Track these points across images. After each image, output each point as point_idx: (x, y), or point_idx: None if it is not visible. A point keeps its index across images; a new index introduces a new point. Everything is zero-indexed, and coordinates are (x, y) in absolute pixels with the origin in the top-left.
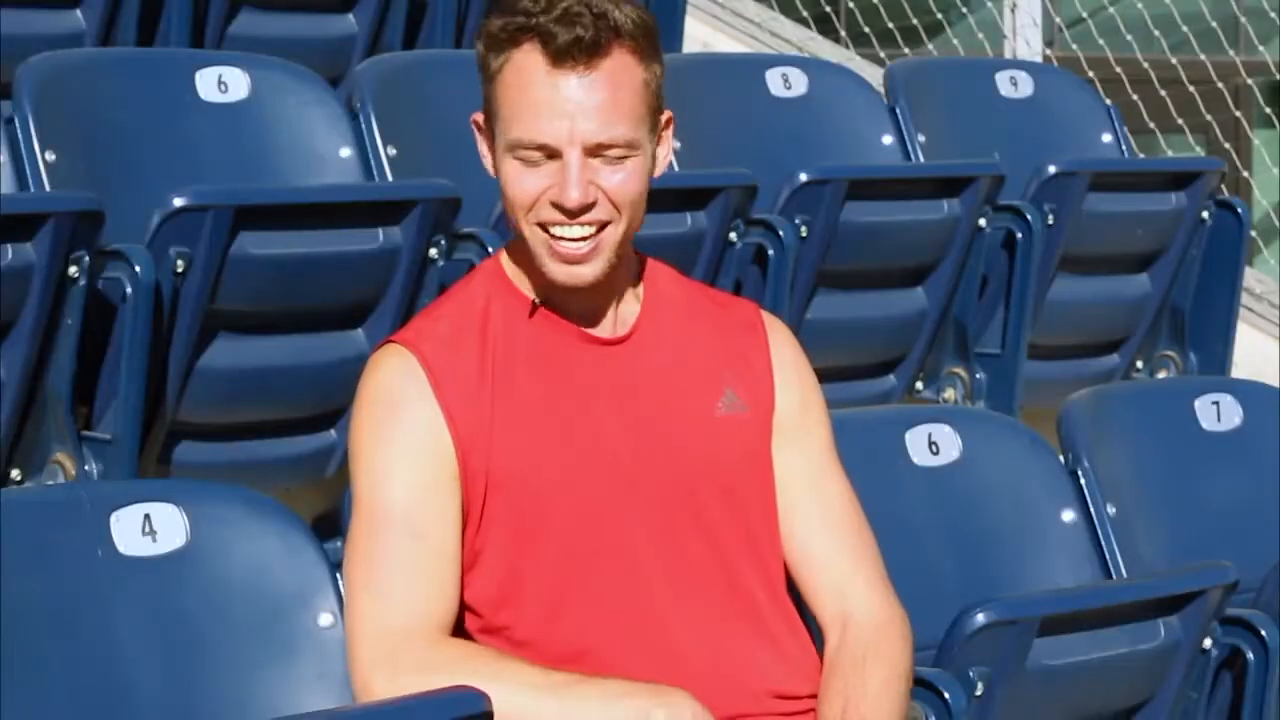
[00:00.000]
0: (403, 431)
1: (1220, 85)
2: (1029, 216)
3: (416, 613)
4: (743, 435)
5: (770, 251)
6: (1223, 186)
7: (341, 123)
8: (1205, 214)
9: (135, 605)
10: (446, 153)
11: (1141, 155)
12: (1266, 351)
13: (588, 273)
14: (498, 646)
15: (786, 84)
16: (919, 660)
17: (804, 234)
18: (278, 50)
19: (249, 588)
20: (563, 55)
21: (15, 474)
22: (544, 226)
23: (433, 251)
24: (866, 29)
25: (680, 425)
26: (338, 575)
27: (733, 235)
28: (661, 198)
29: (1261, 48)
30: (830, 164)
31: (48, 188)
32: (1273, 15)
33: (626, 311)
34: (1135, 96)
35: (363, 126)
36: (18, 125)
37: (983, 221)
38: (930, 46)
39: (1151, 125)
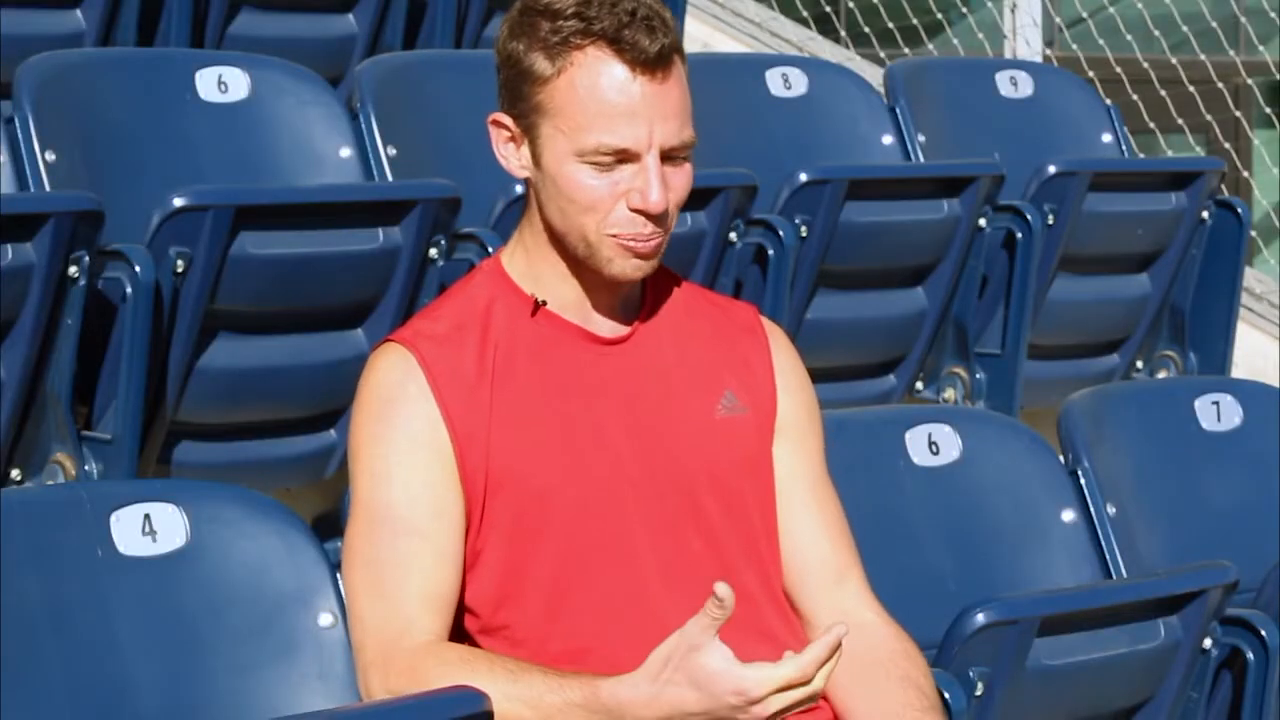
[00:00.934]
0: (402, 430)
1: (1220, 85)
2: (1029, 216)
3: (414, 614)
4: (742, 437)
5: (770, 251)
6: (1223, 186)
7: (341, 123)
8: (1205, 214)
9: (135, 605)
10: (446, 153)
11: (1141, 155)
12: (1266, 351)
13: (650, 267)
14: (497, 647)
15: (786, 84)
16: None
17: (804, 234)
18: (278, 50)
19: (249, 588)
20: (644, 61)
21: (15, 474)
22: (615, 236)
23: (433, 251)
24: (866, 29)
25: (680, 426)
26: (338, 575)
27: (733, 235)
28: None
29: (1261, 48)
30: (830, 164)
31: (48, 188)
32: (1273, 15)
33: (628, 312)
34: (1135, 96)
35: (363, 126)
36: (18, 125)
37: (983, 221)
38: (930, 46)
39: (1151, 125)
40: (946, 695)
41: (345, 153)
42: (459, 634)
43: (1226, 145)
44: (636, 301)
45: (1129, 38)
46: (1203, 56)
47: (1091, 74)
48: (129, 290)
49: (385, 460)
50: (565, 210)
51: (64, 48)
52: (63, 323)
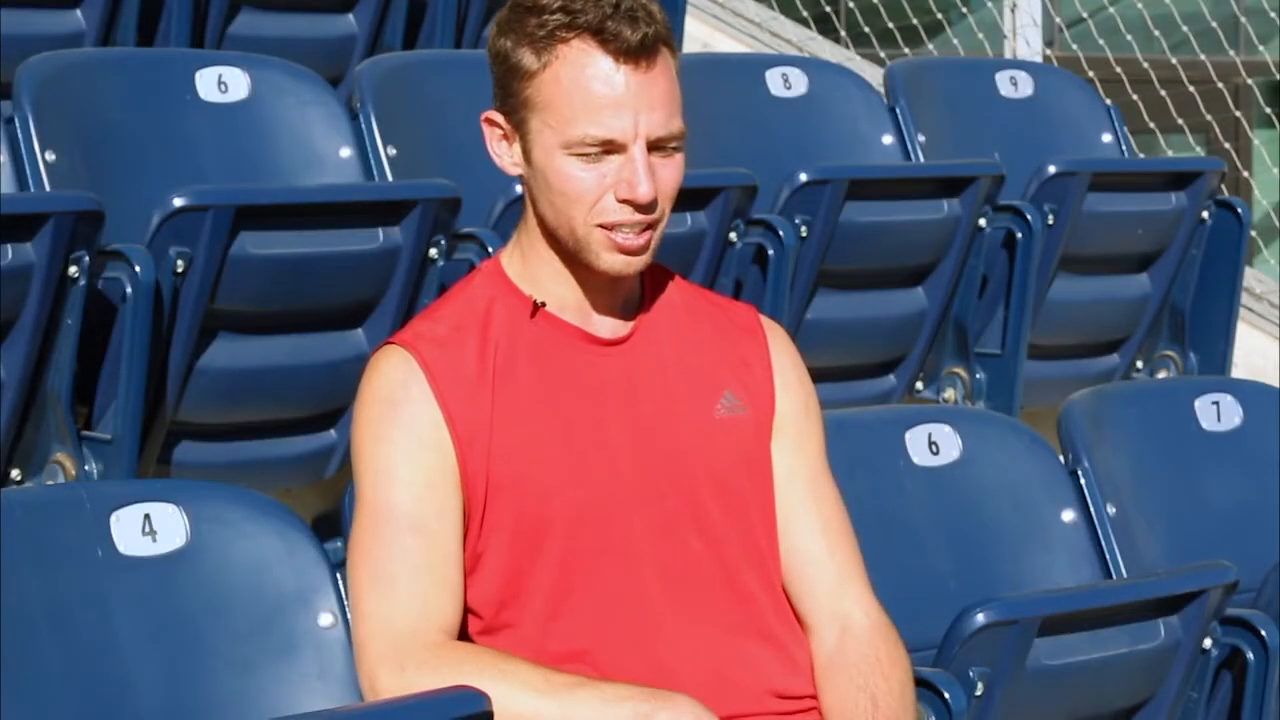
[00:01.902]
0: (404, 431)
1: (1220, 85)
2: (1029, 216)
3: (422, 611)
4: (741, 437)
5: (770, 251)
6: (1223, 186)
7: (341, 123)
8: (1205, 214)
9: (135, 605)
10: (446, 153)
11: (1141, 155)
12: (1266, 351)
13: (640, 262)
14: (497, 647)
15: (786, 84)
16: (918, 660)
17: (804, 234)
18: (278, 50)
19: (249, 588)
20: (628, 52)
21: (15, 474)
22: (604, 226)
23: (433, 251)
24: (866, 29)
25: (679, 426)
26: (338, 575)
27: (733, 235)
28: None
29: (1261, 48)
30: (830, 164)
31: (48, 188)
32: (1273, 15)
33: (627, 312)
34: (1135, 96)
35: (363, 126)
36: (18, 125)
37: (983, 221)
38: (930, 46)
39: (1151, 125)
40: (946, 695)
41: (345, 153)
42: (461, 635)
43: (1226, 145)
44: (636, 302)
45: (1129, 38)
46: (1203, 56)
47: (1091, 74)
48: (129, 290)
49: (389, 460)
50: (555, 204)
51: (64, 48)
52: (63, 323)
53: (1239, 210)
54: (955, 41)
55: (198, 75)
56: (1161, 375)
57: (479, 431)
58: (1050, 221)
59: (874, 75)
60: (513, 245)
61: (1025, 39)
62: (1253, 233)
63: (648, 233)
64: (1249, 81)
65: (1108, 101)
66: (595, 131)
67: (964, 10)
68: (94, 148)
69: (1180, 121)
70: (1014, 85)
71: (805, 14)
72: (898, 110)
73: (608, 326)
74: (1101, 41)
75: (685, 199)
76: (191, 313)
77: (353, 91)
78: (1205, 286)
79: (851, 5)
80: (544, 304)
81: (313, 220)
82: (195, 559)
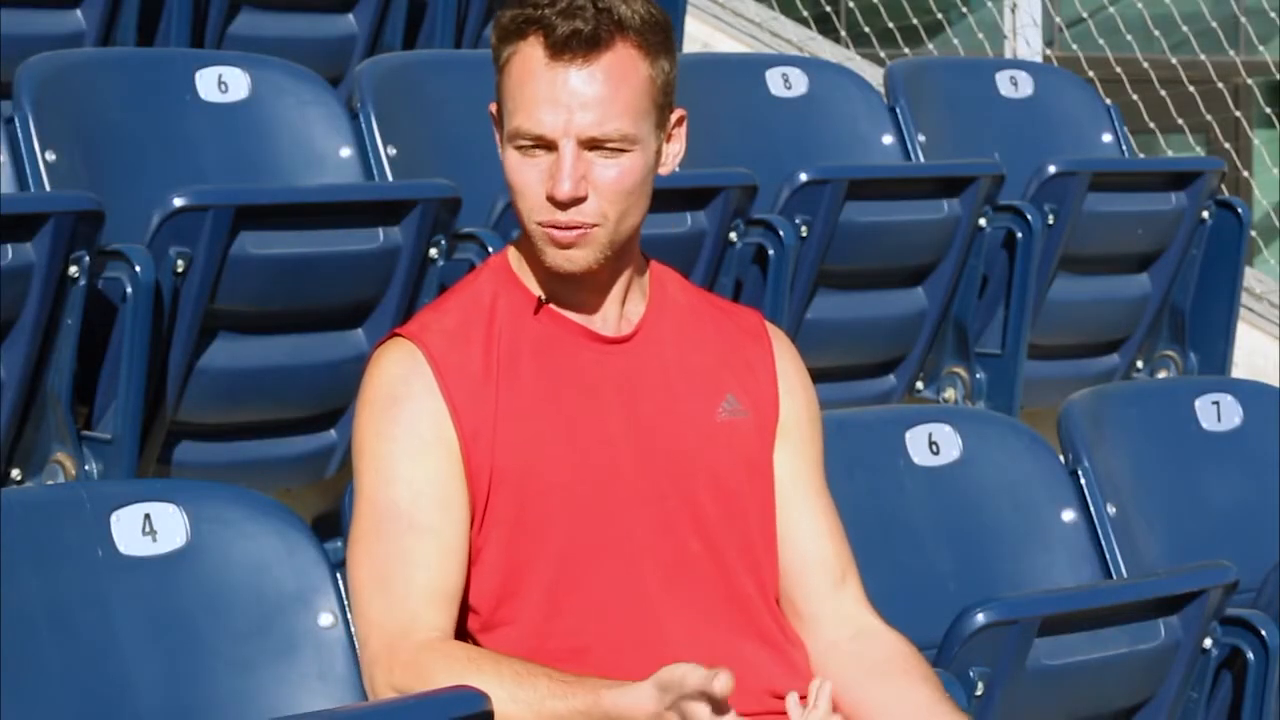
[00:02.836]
0: (407, 426)
1: (1220, 85)
2: (1029, 216)
3: (415, 611)
4: (742, 440)
5: (770, 251)
6: (1223, 186)
7: (341, 123)
8: (1205, 214)
9: (135, 605)
10: (446, 153)
11: (1141, 155)
12: (1266, 351)
13: (580, 258)
14: (497, 644)
15: (786, 84)
16: None
17: (804, 234)
18: (278, 50)
19: (249, 588)
20: (561, 47)
21: (15, 474)
22: (541, 223)
23: (433, 251)
24: (866, 29)
25: (681, 427)
26: (338, 575)
27: (733, 235)
28: (661, 198)
29: (1261, 48)
30: (830, 164)
31: (48, 188)
32: (1273, 15)
33: (632, 311)
34: (1135, 96)
35: (363, 126)
36: (18, 125)
37: (983, 221)
38: (930, 46)
39: (1151, 125)
40: None
41: (345, 153)
42: (460, 632)
43: (1226, 145)
44: (640, 302)
45: (1129, 38)
46: (1203, 56)
47: (1091, 74)
48: (129, 290)
49: (390, 457)
50: (512, 199)
51: (64, 48)
52: (63, 323)
53: (1239, 210)
54: (955, 41)
55: (198, 75)
56: (1161, 375)
57: (483, 425)
58: (1050, 221)
59: (874, 75)
60: (518, 240)
61: (1025, 39)
62: (1253, 233)
63: (577, 230)
64: (1249, 81)
65: (1108, 101)
66: (528, 126)
67: (964, 10)
68: (94, 148)
69: (1180, 121)
70: (1014, 85)
71: (805, 14)
72: (898, 110)
73: (612, 324)
74: (1101, 41)
75: (685, 199)
76: (191, 313)
77: (353, 91)
78: (1205, 286)
79: (851, 5)
80: (548, 300)
81: (313, 220)
82: (195, 559)
